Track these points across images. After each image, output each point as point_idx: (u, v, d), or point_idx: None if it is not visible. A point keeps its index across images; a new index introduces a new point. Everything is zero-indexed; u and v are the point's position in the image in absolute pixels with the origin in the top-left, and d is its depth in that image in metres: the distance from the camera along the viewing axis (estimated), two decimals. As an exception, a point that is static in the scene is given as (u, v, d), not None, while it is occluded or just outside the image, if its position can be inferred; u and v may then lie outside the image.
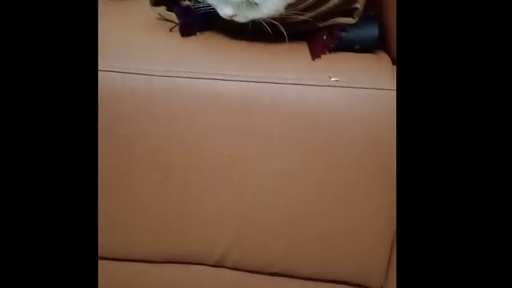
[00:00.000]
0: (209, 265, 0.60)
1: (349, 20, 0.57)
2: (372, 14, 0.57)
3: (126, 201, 0.57)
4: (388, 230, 0.56)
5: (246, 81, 0.53)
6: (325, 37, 0.57)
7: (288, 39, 0.59)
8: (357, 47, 0.57)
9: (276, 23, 0.55)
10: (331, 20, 0.57)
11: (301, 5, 0.55)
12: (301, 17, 0.57)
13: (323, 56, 0.55)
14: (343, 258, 0.58)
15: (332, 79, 0.52)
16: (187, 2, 0.62)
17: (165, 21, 0.65)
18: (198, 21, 0.60)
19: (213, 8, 0.58)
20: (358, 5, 0.56)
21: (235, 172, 0.55)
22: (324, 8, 0.56)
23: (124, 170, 0.56)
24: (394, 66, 0.56)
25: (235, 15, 0.55)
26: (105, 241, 0.59)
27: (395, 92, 0.51)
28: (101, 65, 0.54)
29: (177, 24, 0.61)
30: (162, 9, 0.66)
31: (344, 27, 0.57)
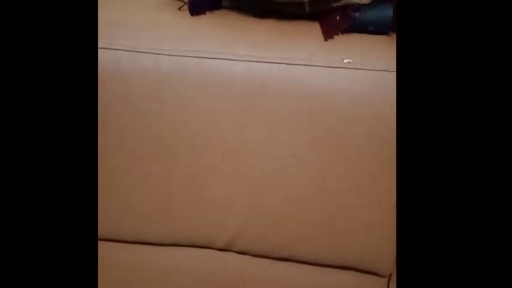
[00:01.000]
0: (216, 249, 0.60)
1: (363, 0, 0.55)
2: (387, -6, 0.56)
3: (132, 183, 0.57)
4: (394, 213, 0.55)
5: (256, 61, 0.51)
6: (338, 17, 0.55)
7: (299, 21, 0.58)
8: (370, 28, 0.55)
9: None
10: (344, 0, 0.56)
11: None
12: (314, -2, 0.55)
13: (336, 37, 0.54)
14: (352, 244, 0.57)
15: (345, 61, 0.51)
16: (197, -20, 0.61)
17: (174, 1, 0.64)
18: (207, 0, 0.59)
19: None
20: (372, -15, 0.54)
21: (244, 155, 0.54)
22: (336, -13, 0.54)
23: (131, 150, 0.55)
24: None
25: None
26: (111, 223, 0.59)
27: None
28: (107, 43, 0.53)
29: (186, 2, 0.60)
30: (170, -12, 0.64)
31: (358, 7, 0.55)
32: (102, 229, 0.58)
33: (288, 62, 0.51)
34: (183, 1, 0.61)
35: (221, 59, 0.52)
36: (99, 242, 0.58)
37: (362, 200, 0.54)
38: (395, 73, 0.50)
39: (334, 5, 0.56)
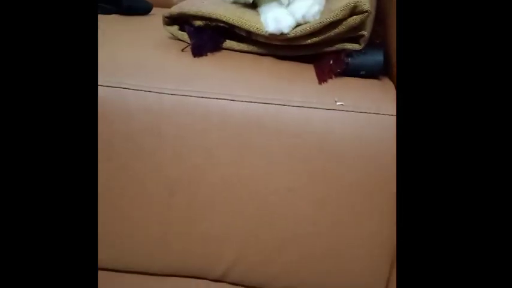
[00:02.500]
0: (211, 279, 0.61)
1: (355, 46, 0.59)
2: (377, 42, 0.59)
3: (132, 215, 0.59)
4: (388, 249, 0.57)
5: (254, 102, 0.54)
6: (331, 62, 0.58)
7: (295, 62, 0.62)
8: (362, 72, 0.59)
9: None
10: (338, 45, 0.59)
11: (309, 29, 0.57)
12: (309, 41, 0.59)
13: (329, 80, 0.57)
14: (344, 276, 0.59)
15: (338, 103, 0.54)
16: (200, 23, 0.65)
17: (178, 41, 0.67)
18: (209, 42, 0.62)
19: (225, 28, 0.60)
20: (364, 32, 0.58)
21: (240, 190, 0.56)
22: (331, 33, 0.58)
23: (132, 184, 0.57)
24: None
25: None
26: (109, 253, 0.60)
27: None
28: (114, 82, 0.56)
29: (189, 44, 0.64)
30: (174, 29, 0.68)
31: (350, 52, 0.58)
32: (100, 258, 0.60)
33: (283, 103, 0.54)
34: (186, 42, 0.65)
35: (221, 98, 0.55)
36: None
37: (353, 234, 0.57)
38: (384, 115, 0.53)
39: (328, 49, 0.60)
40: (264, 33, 0.59)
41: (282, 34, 0.58)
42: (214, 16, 0.62)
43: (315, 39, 0.58)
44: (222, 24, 0.62)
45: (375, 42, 0.59)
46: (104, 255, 0.60)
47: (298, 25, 0.58)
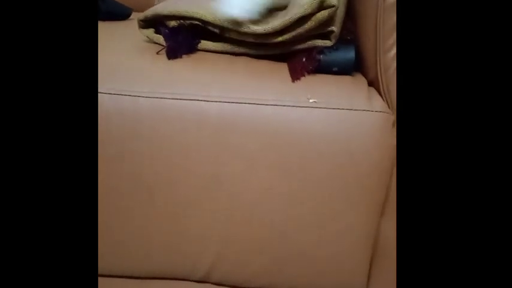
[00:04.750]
0: (194, 281, 0.62)
1: (327, 43, 0.60)
2: (349, 38, 0.60)
3: (111, 218, 0.59)
4: (367, 244, 0.58)
5: (228, 102, 0.55)
6: (304, 59, 0.59)
7: (269, 61, 0.62)
8: (334, 69, 0.60)
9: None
10: (309, 42, 0.60)
11: (279, 26, 0.58)
12: (280, 39, 0.60)
13: (302, 78, 0.58)
14: (324, 271, 0.60)
15: (310, 100, 0.55)
16: (174, 23, 0.65)
17: (154, 44, 0.68)
18: (184, 44, 0.63)
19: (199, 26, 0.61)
20: (334, 28, 0.59)
21: (218, 189, 0.56)
22: (301, 30, 0.58)
23: (110, 187, 0.57)
24: (370, 88, 0.59)
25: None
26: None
27: (369, 112, 0.54)
28: (89, 87, 0.56)
29: (164, 47, 0.64)
30: (150, 32, 0.69)
31: (322, 50, 0.59)
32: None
33: (257, 102, 0.55)
34: (162, 45, 0.66)
35: (196, 99, 0.55)
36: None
37: (332, 230, 0.57)
38: (357, 111, 0.54)
39: (300, 46, 0.60)
40: (238, 29, 0.60)
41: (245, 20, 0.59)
42: (188, 14, 0.63)
43: (286, 36, 0.59)
44: (196, 22, 0.63)
45: (347, 39, 0.60)
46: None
47: (266, 21, 0.59)
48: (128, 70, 0.60)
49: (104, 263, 0.61)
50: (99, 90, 0.56)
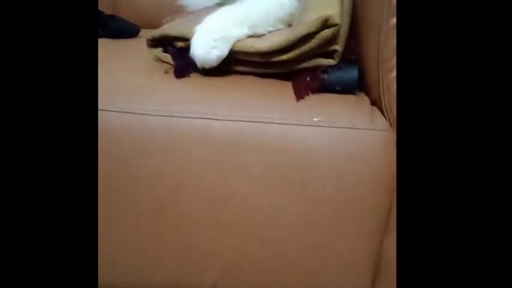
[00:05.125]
0: (200, 295, 0.63)
1: (330, 62, 0.61)
2: (352, 58, 0.62)
3: (120, 233, 0.60)
4: (370, 262, 0.59)
5: (234, 120, 0.56)
6: (308, 79, 0.61)
7: (274, 80, 0.64)
8: (338, 88, 0.61)
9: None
10: (313, 60, 0.62)
11: (284, 43, 0.60)
12: (285, 57, 0.61)
13: (306, 97, 0.59)
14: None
15: (314, 119, 0.56)
16: (181, 44, 0.67)
17: (162, 63, 0.69)
18: (191, 63, 0.64)
19: None
20: (337, 47, 0.60)
21: (225, 206, 0.58)
22: (305, 48, 0.60)
23: (119, 203, 0.59)
24: (373, 107, 0.60)
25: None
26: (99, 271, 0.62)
27: (372, 131, 0.55)
28: (100, 105, 0.58)
29: (172, 66, 0.66)
30: (158, 51, 0.70)
31: (326, 69, 0.61)
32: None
33: (262, 121, 0.56)
34: (170, 64, 0.67)
35: (203, 118, 0.57)
36: None
37: (335, 248, 0.58)
38: (360, 130, 0.55)
39: (304, 65, 0.62)
40: (243, 49, 0.62)
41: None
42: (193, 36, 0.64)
43: (291, 54, 0.61)
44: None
45: (350, 58, 0.62)
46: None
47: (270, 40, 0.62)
48: (136, 88, 0.62)
49: (111, 276, 0.62)
50: (108, 108, 0.58)
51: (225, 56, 0.63)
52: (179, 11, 0.99)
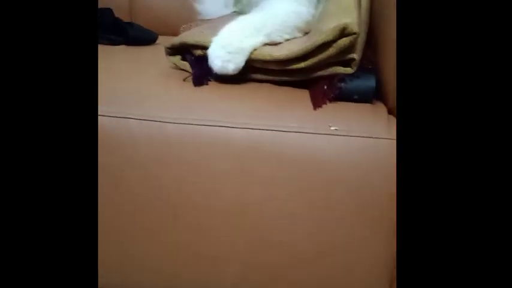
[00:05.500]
0: (216, 301, 0.63)
1: (348, 70, 0.61)
2: (369, 67, 0.62)
3: (137, 239, 0.61)
4: (387, 273, 0.59)
5: (252, 128, 0.57)
6: (325, 87, 0.61)
7: (291, 88, 0.64)
8: (355, 97, 0.61)
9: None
10: (330, 69, 0.62)
11: (301, 51, 0.60)
12: (302, 65, 0.62)
13: (323, 105, 0.60)
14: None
15: (332, 128, 0.56)
16: (200, 52, 0.68)
17: (180, 70, 0.70)
18: (209, 71, 0.65)
19: None
20: (355, 56, 0.60)
21: (241, 213, 0.58)
22: (322, 56, 0.60)
23: (138, 209, 0.60)
24: (390, 116, 0.60)
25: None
26: (114, 277, 0.63)
27: (389, 140, 0.55)
28: (119, 112, 0.59)
29: (190, 74, 0.67)
30: (177, 59, 0.72)
31: (343, 78, 0.61)
32: (105, 281, 0.62)
33: (279, 129, 0.57)
34: (188, 72, 0.68)
35: (221, 126, 0.57)
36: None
37: (353, 257, 0.58)
38: (377, 139, 0.56)
39: (321, 73, 0.62)
40: (261, 57, 0.62)
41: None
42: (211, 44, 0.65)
43: (308, 62, 0.61)
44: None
45: (367, 67, 0.62)
46: (109, 279, 0.62)
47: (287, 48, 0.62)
48: (155, 96, 0.63)
49: (128, 282, 0.63)
50: (127, 116, 0.59)
51: (241, 67, 0.64)
52: (195, 17, 1.00)
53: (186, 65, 0.70)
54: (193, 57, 0.69)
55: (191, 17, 1.00)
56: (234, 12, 0.93)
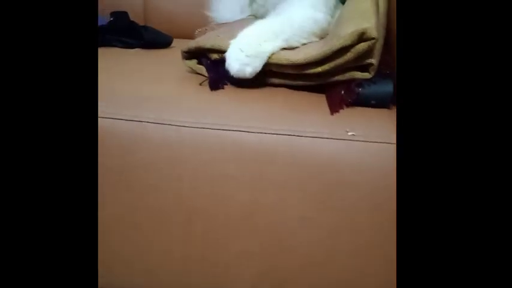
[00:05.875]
0: (229, 306, 0.63)
1: (365, 75, 0.61)
2: (387, 72, 0.61)
3: (152, 242, 0.61)
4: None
5: (268, 133, 0.57)
6: (343, 92, 0.61)
7: (308, 93, 0.64)
8: (372, 102, 0.61)
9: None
10: (348, 73, 0.62)
11: (319, 56, 0.60)
12: (320, 69, 0.61)
13: (340, 110, 0.59)
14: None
15: (349, 133, 0.56)
16: (216, 56, 0.68)
17: (196, 74, 0.71)
18: (226, 76, 0.65)
19: None
20: (373, 61, 0.60)
21: (255, 218, 0.58)
22: (340, 61, 0.60)
23: (152, 212, 0.60)
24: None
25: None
26: (129, 280, 0.63)
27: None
28: (135, 116, 0.59)
29: (207, 78, 0.67)
30: (193, 63, 0.72)
31: (360, 83, 0.61)
32: (118, 285, 0.62)
33: (296, 134, 0.56)
34: (204, 76, 0.68)
35: (237, 130, 0.57)
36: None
37: (365, 262, 0.58)
38: (394, 145, 0.55)
39: (338, 78, 0.62)
40: (277, 61, 0.62)
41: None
42: (228, 48, 0.65)
43: (325, 67, 0.61)
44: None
45: (385, 72, 0.61)
46: (123, 282, 0.62)
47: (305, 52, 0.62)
48: (171, 100, 0.63)
49: (142, 286, 0.63)
50: (143, 120, 0.59)
51: (258, 71, 0.63)
52: (209, 21, 1.01)
53: (202, 69, 0.70)
54: (209, 61, 0.69)
55: (205, 20, 1.01)
56: (249, 16, 0.93)
